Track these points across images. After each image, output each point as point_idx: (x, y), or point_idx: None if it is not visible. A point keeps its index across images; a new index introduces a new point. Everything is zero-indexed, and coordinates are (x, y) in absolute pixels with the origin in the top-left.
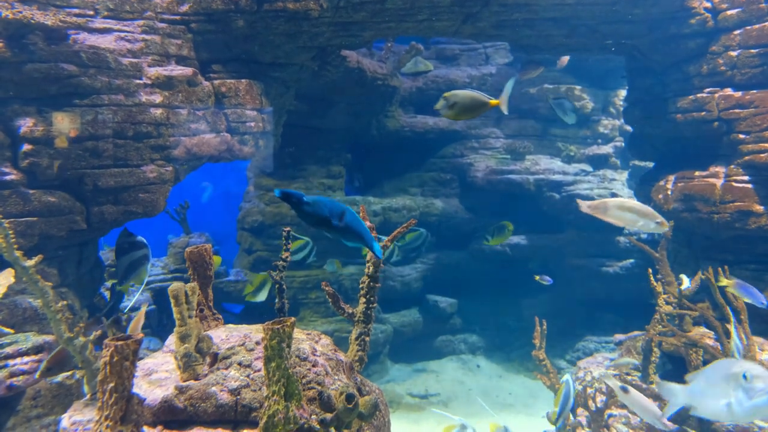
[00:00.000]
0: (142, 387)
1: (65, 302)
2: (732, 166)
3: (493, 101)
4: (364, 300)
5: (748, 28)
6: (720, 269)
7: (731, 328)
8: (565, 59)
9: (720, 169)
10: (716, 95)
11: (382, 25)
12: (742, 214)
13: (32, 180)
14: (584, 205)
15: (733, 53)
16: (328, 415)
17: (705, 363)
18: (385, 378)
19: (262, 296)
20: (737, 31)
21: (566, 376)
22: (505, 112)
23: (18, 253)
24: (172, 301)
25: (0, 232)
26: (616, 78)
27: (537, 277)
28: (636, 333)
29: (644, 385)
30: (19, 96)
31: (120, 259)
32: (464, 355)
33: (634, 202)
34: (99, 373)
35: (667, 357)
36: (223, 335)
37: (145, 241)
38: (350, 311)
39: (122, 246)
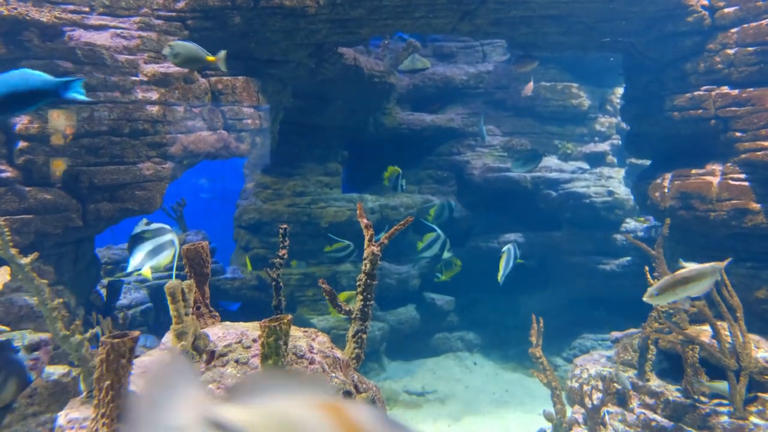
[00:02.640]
0: (138, 385)
1: (61, 300)
2: (728, 164)
3: (210, 57)
4: (361, 297)
5: (746, 26)
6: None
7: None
8: (530, 87)
9: (717, 167)
10: (713, 93)
11: (379, 22)
12: (738, 212)
13: (28, 177)
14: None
15: (730, 51)
16: None
17: (701, 360)
18: (382, 375)
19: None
20: (734, 29)
21: (507, 249)
22: (223, 69)
23: (14, 251)
24: (168, 298)
25: None
26: (614, 76)
27: (641, 219)
28: (632, 330)
29: (641, 383)
30: None
31: (141, 245)
32: (461, 353)
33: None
34: (95, 371)
35: (663, 354)
36: (220, 333)
37: (169, 227)
38: (347, 309)
39: (142, 233)
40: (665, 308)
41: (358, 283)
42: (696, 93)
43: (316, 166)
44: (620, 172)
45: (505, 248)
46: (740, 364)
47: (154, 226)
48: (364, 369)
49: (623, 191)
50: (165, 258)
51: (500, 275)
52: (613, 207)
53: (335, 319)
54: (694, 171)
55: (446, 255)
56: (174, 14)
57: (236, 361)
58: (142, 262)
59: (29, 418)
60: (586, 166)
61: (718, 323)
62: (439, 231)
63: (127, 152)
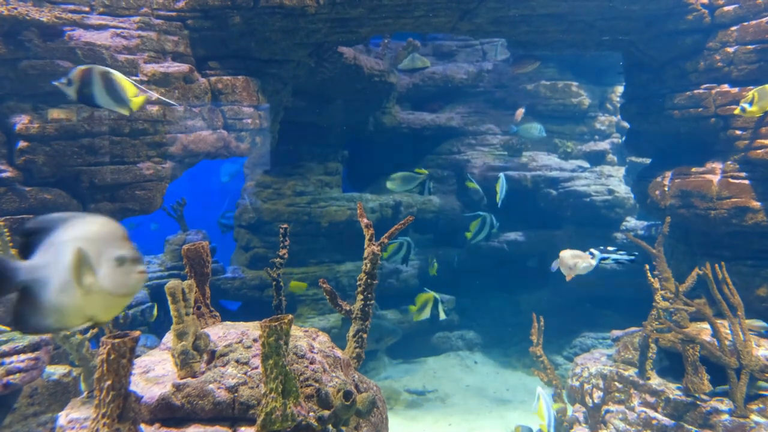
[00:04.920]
0: (139, 385)
1: None
2: (729, 162)
3: None
4: (361, 297)
5: (745, 24)
6: (716, 265)
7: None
8: (520, 112)
9: (717, 166)
10: (713, 91)
11: (379, 22)
12: (738, 210)
13: (28, 177)
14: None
15: (730, 49)
16: (326, 412)
17: (702, 358)
18: (383, 375)
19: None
20: (734, 27)
21: (501, 176)
22: None
23: (14, 251)
24: (169, 298)
25: None
26: (614, 74)
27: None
28: (633, 329)
29: (641, 381)
30: (15, 93)
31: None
32: (462, 352)
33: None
34: (96, 370)
35: (664, 353)
36: (221, 332)
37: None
38: (348, 308)
39: None
40: (666, 307)
41: (358, 282)
42: (696, 91)
43: (316, 166)
44: (620, 171)
45: (500, 174)
46: (741, 363)
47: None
48: (365, 368)
49: (623, 190)
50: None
51: (498, 197)
52: (614, 205)
53: (336, 318)
54: (694, 169)
55: (494, 231)
56: (174, 14)
57: (237, 361)
58: None
59: (30, 418)
60: (586, 164)
61: (718, 321)
62: (484, 213)
63: (127, 152)
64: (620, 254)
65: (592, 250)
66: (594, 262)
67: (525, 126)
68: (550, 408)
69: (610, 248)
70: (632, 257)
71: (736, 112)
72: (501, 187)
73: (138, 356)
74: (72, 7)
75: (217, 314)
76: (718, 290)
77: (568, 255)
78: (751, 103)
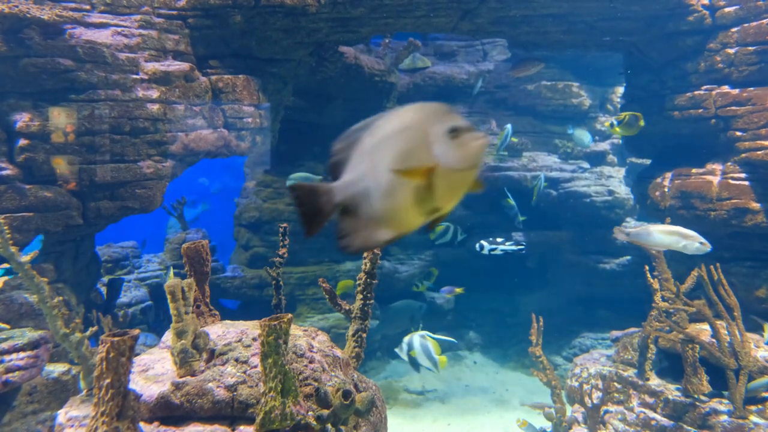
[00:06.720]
0: (138, 383)
1: (61, 298)
2: (729, 164)
3: None
4: (361, 296)
5: (746, 25)
6: (712, 266)
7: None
8: (494, 123)
9: (717, 167)
10: (713, 93)
11: (380, 21)
12: (738, 211)
13: (28, 175)
14: (621, 235)
15: (731, 50)
16: (325, 412)
17: (701, 359)
18: (382, 374)
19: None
20: (735, 29)
21: (507, 127)
22: None
23: (14, 249)
24: (168, 297)
25: None
26: (614, 75)
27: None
28: (632, 330)
29: (641, 382)
30: (15, 90)
31: None
32: (461, 352)
33: (675, 227)
34: (95, 369)
35: (663, 353)
36: (220, 331)
37: None
38: (347, 308)
39: None
40: (666, 307)
41: (358, 282)
42: (696, 92)
43: (316, 165)
44: (620, 172)
45: (506, 126)
46: (739, 363)
47: None
48: (364, 368)
49: (623, 190)
50: None
51: (497, 147)
52: (614, 206)
53: (335, 317)
54: (694, 170)
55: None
56: (175, 12)
57: (236, 360)
58: None
59: (29, 416)
60: (586, 165)
61: (718, 322)
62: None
63: (127, 150)
64: (508, 245)
65: (482, 242)
66: (708, 247)
67: (578, 131)
68: (431, 351)
69: (498, 239)
70: (521, 247)
71: (606, 125)
72: (505, 137)
73: (137, 354)
74: (73, 5)
75: (217, 313)
76: (714, 291)
77: (658, 230)
78: (620, 122)
